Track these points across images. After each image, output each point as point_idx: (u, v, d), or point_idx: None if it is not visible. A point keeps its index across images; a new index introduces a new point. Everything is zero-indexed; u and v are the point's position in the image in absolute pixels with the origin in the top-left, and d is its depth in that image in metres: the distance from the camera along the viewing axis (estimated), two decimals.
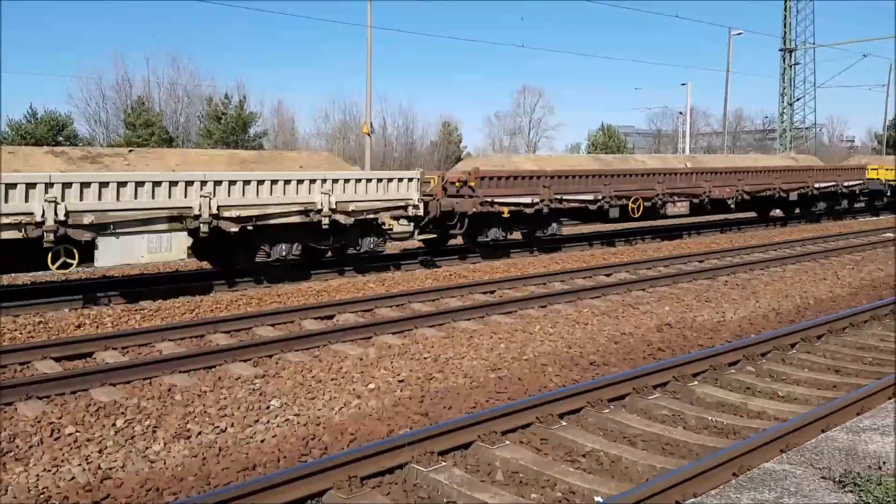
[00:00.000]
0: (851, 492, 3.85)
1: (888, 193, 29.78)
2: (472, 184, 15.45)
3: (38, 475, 5.13)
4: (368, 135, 30.68)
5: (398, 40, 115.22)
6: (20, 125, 41.95)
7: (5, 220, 9.65)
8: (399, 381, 7.23)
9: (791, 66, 53.59)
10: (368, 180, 13.63)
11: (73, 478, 5.12)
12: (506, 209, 15.95)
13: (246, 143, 45.67)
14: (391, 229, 14.50)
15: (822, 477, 4.06)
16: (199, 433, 5.91)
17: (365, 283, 12.69)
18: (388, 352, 8.26)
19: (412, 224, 14.67)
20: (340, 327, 9.16)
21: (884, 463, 4.23)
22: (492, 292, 11.94)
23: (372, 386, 7.10)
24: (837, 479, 4.00)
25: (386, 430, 5.97)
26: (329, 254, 13.91)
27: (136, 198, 10.74)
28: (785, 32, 53.33)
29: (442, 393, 6.92)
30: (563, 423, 6.00)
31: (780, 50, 53.80)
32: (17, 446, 5.60)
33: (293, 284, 12.64)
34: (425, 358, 8.04)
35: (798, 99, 54.37)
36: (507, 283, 12.51)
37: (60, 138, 41.88)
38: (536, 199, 16.47)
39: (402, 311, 10.43)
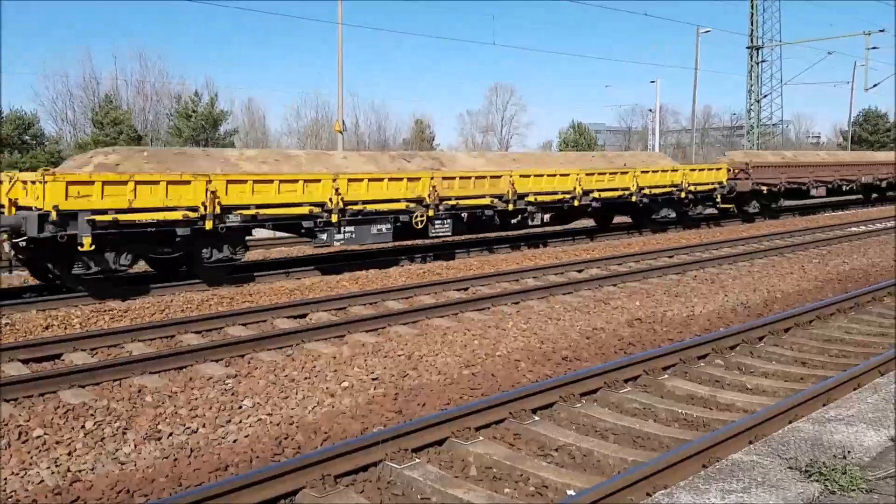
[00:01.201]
0: (817, 481, 3.93)
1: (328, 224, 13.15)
2: None
3: (5, 479, 5.05)
4: (341, 132, 30.54)
5: (370, 38, 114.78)
6: None
7: None
8: (373, 379, 7.22)
9: (758, 64, 54.30)
10: None
11: (41, 481, 5.04)
12: None
13: (217, 141, 45.21)
14: None
15: (788, 467, 4.14)
16: (170, 434, 5.86)
17: (338, 281, 12.65)
18: (362, 350, 8.24)
19: None
20: (313, 326, 9.12)
21: (848, 452, 4.32)
22: (465, 289, 11.97)
23: (346, 384, 7.08)
24: (804, 469, 4.07)
25: (360, 428, 5.97)
26: None
27: None
28: (752, 30, 54.02)
29: (416, 390, 6.93)
30: (536, 418, 6.05)
31: (748, 47, 54.48)
32: None
33: (266, 283, 12.56)
34: (399, 355, 8.04)
35: (765, 96, 55.13)
36: (481, 280, 12.54)
37: (26, 137, 41.14)
38: None
39: (375, 309, 10.42)
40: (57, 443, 5.66)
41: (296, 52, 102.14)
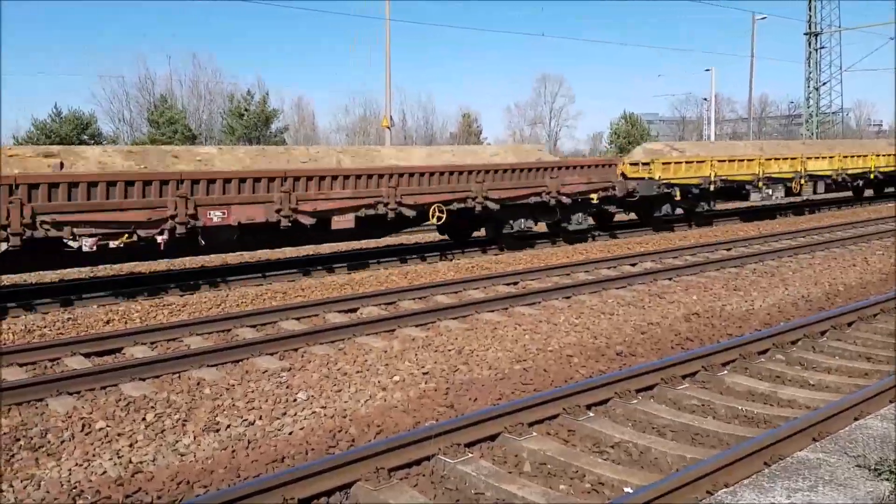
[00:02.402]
0: (887, 479, 3.78)
1: None
2: None
3: (70, 470, 5.20)
4: (388, 128, 30.71)
5: (417, 33, 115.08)
6: (45, 124, 42.52)
7: None
8: (424, 374, 7.23)
9: (817, 50, 52.69)
10: None
11: (104, 472, 5.17)
12: None
13: (268, 139, 45.93)
14: None
15: (857, 465, 3.99)
16: (228, 426, 5.95)
17: (387, 276, 12.71)
18: (412, 344, 8.26)
19: None
20: (364, 320, 9.17)
21: None
22: (515, 283, 11.90)
23: (397, 378, 7.10)
24: (873, 467, 3.93)
25: (412, 422, 5.97)
26: None
27: None
28: (810, 16, 52.42)
29: (467, 385, 6.90)
30: (591, 415, 5.96)
31: (806, 34, 52.90)
32: (49, 442, 5.67)
33: (317, 279, 12.69)
34: (449, 350, 8.03)
35: (824, 83, 53.45)
36: (531, 275, 12.45)
37: (85, 136, 42.38)
38: None
39: (425, 304, 10.43)
40: (119, 435, 5.80)
41: (344, 49, 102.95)
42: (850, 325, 8.68)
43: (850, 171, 23.64)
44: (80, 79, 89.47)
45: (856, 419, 5.11)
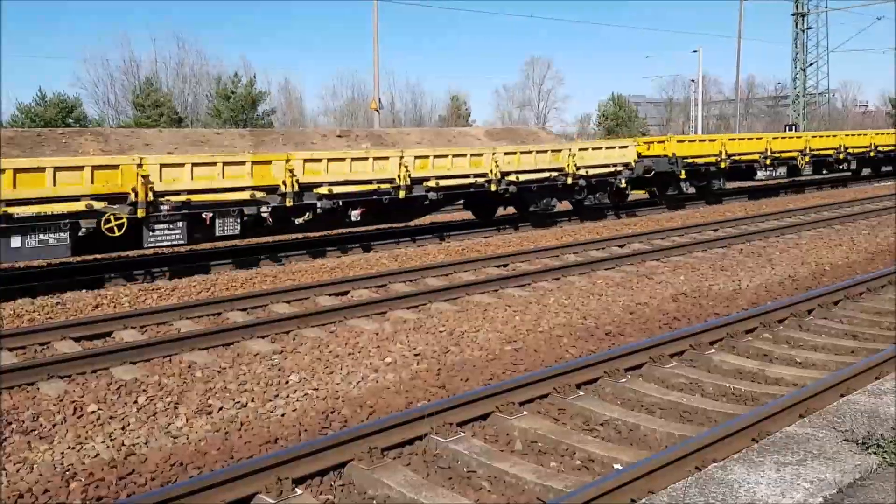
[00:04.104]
0: (875, 453, 3.85)
1: None
2: None
3: (62, 453, 5.20)
4: (377, 111, 30.56)
5: (405, 14, 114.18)
6: (30, 108, 42.06)
7: None
8: (415, 355, 7.26)
9: (804, 31, 52.73)
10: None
11: (97, 455, 5.18)
12: None
13: (255, 122, 45.61)
14: None
15: (844, 440, 4.06)
16: (221, 408, 5.97)
17: (377, 259, 12.71)
18: (404, 326, 8.28)
19: None
20: (355, 303, 9.18)
21: None
22: (505, 265, 11.93)
23: (388, 360, 7.13)
24: (861, 441, 3.99)
25: (404, 402, 6.01)
26: None
27: None
28: None
29: (458, 365, 6.94)
30: (581, 393, 6.02)
31: (793, 14, 52.93)
32: (41, 425, 5.67)
33: (307, 262, 12.67)
34: (440, 332, 8.06)
35: (811, 64, 53.54)
36: (521, 257, 12.49)
37: (70, 120, 41.95)
38: None
39: (415, 286, 10.44)
40: (111, 418, 5.80)
41: (331, 31, 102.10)
42: (836, 303, 8.77)
43: None
44: (64, 62, 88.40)
45: (842, 395, 5.18)
